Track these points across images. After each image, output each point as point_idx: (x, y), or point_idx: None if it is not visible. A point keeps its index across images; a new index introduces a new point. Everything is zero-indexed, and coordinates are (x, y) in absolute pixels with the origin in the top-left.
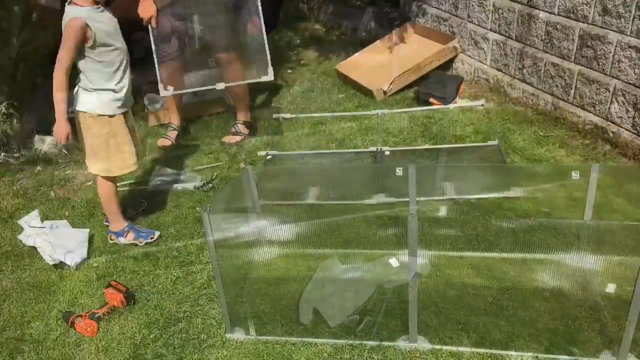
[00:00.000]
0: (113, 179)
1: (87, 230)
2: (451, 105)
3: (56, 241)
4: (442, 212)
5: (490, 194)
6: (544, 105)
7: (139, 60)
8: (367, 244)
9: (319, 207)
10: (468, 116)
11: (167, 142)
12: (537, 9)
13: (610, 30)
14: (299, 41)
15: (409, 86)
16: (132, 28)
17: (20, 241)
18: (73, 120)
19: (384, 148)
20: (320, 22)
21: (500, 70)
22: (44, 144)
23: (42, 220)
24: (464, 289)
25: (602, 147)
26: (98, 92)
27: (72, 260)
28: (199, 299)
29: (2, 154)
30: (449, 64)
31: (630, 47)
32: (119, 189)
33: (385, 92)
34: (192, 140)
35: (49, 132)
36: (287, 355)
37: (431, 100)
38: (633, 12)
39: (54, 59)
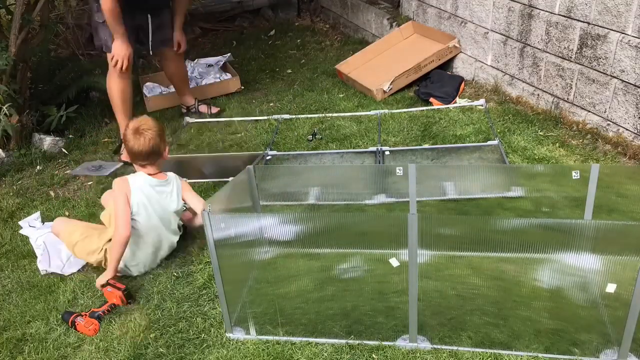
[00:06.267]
0: None
1: None
2: (451, 105)
3: (54, 248)
4: (442, 212)
5: (490, 194)
6: (544, 105)
7: None
8: (367, 243)
9: (319, 207)
10: (468, 116)
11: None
12: (537, 8)
13: (611, 29)
14: (298, 41)
15: (409, 86)
16: None
17: (21, 238)
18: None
19: (384, 148)
20: (319, 21)
21: (500, 69)
22: (44, 144)
23: (43, 222)
24: (464, 289)
25: (602, 147)
26: None
27: (68, 271)
28: (199, 299)
29: (2, 153)
30: (449, 63)
31: (630, 46)
32: None
33: (385, 92)
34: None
35: (48, 132)
36: (287, 355)
37: (431, 100)
38: (634, 10)
39: (53, 59)
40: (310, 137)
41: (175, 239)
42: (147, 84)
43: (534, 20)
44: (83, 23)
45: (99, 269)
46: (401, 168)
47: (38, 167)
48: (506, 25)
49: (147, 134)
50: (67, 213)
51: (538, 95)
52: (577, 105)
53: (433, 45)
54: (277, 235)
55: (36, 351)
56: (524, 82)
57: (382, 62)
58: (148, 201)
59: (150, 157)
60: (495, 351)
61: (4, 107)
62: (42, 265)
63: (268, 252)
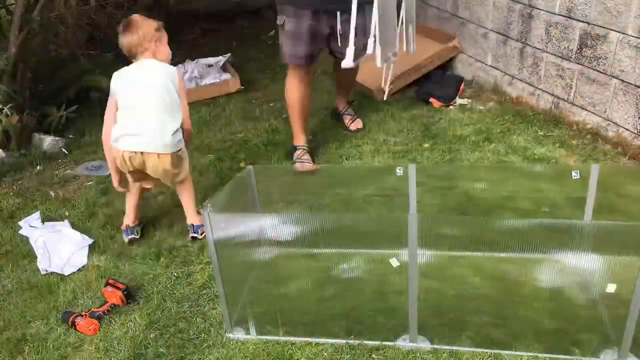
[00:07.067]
0: None
1: (92, 240)
2: (451, 106)
3: (54, 247)
4: (442, 212)
5: (490, 194)
6: (544, 105)
7: None
8: (367, 243)
9: (319, 206)
10: (468, 116)
11: (309, 166)
12: (537, 8)
13: (611, 29)
14: None
15: (409, 86)
16: None
17: (21, 238)
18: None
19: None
20: None
21: (500, 69)
22: (44, 144)
23: (42, 222)
24: (464, 289)
25: (602, 147)
26: None
27: (68, 271)
28: (199, 299)
29: (2, 153)
30: (449, 63)
31: (630, 46)
32: None
33: (385, 92)
34: None
35: (48, 132)
36: (287, 355)
37: (431, 100)
38: (634, 10)
39: (53, 59)
40: (310, 136)
41: (161, 114)
42: None
43: (534, 20)
44: (83, 23)
45: (99, 268)
46: (401, 168)
47: (38, 167)
48: (506, 25)
49: (123, 35)
50: (67, 213)
51: (538, 95)
52: (577, 105)
53: (433, 45)
54: (277, 235)
55: (36, 351)
56: (524, 82)
57: None
58: (123, 79)
59: (130, 55)
60: (495, 351)
61: (4, 107)
62: (42, 265)
63: (268, 252)
